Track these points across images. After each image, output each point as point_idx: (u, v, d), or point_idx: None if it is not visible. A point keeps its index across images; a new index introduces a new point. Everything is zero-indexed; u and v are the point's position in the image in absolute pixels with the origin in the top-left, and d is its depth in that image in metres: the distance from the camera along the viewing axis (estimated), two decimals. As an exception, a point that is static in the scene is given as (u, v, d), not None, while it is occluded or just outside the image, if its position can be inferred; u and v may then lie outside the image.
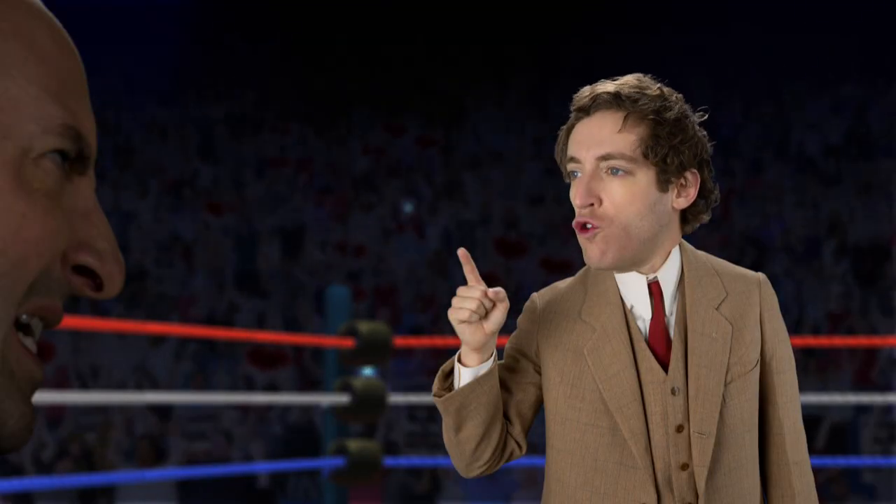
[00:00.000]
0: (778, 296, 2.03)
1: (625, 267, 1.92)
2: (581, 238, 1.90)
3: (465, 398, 1.88)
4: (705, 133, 1.95)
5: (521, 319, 2.00)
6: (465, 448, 1.92)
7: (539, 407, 1.99)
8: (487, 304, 1.86)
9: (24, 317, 0.74)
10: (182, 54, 15.95)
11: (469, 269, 1.89)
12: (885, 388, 10.27)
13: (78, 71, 0.77)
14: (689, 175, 1.90)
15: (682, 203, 1.91)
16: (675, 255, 1.94)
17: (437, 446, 10.46)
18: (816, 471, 9.65)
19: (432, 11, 16.23)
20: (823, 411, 10.16)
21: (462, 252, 1.92)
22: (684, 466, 1.89)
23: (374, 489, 9.46)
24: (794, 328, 11.51)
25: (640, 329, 1.93)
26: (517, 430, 1.98)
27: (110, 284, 0.76)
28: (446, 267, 12.47)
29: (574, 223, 1.91)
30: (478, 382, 1.88)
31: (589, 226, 1.89)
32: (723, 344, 1.91)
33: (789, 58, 15.18)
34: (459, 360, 1.90)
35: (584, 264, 1.96)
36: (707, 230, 13.02)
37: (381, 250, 12.98)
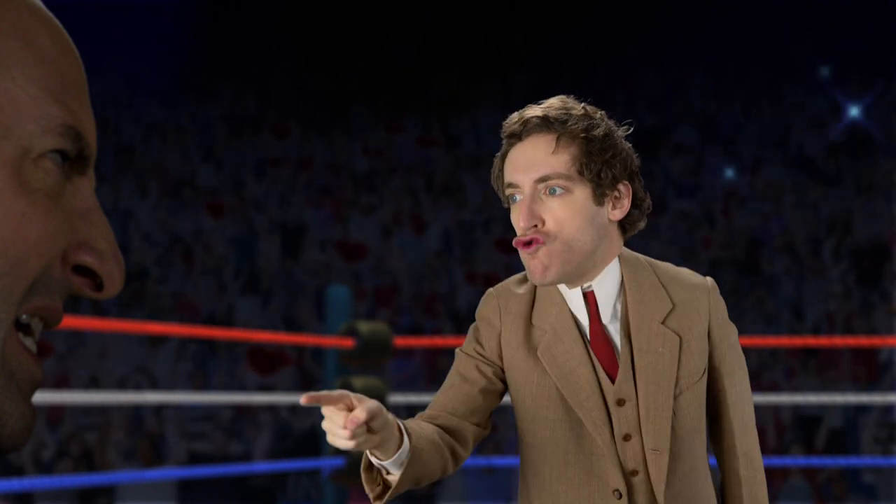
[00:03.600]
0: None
1: (569, 280, 1.98)
2: (523, 254, 1.97)
3: (407, 484, 1.87)
4: (631, 146, 2.03)
5: (484, 312, 2.05)
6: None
7: (495, 404, 2.04)
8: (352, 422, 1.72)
9: (24, 317, 0.74)
10: (182, 54, 15.94)
11: (321, 399, 1.71)
12: (885, 388, 10.27)
13: (78, 71, 0.77)
14: (621, 187, 1.98)
15: (618, 214, 1.99)
16: (614, 266, 2.00)
17: (437, 446, 10.45)
18: (816, 471, 9.55)
19: (432, 11, 16.23)
20: (823, 411, 10.15)
21: (305, 398, 1.70)
22: (633, 472, 1.96)
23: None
24: (794, 328, 11.51)
25: (585, 333, 2.00)
26: (475, 422, 2.00)
27: (110, 284, 0.76)
28: (446, 267, 12.47)
29: (515, 241, 1.98)
30: (410, 465, 1.84)
31: (531, 242, 1.94)
32: (671, 358, 1.97)
33: (789, 58, 15.17)
34: (374, 455, 1.84)
35: None
36: (707, 230, 13.04)
37: (381, 250, 12.98)
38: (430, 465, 1.90)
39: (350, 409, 1.72)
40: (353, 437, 1.71)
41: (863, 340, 8.06)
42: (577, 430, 1.95)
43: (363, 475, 1.89)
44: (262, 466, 8.05)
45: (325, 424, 1.73)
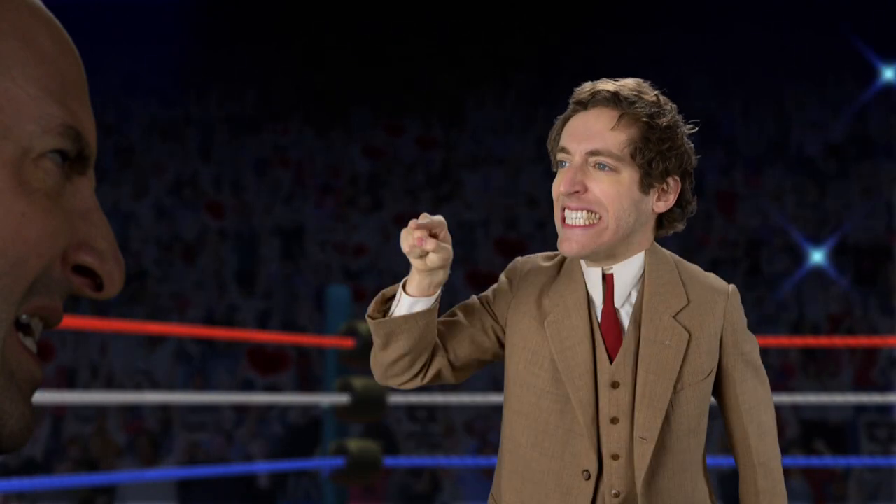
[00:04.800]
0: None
1: (597, 258, 1.98)
2: (566, 230, 1.95)
3: (396, 327, 1.93)
4: (692, 145, 2.01)
5: (502, 277, 2.06)
6: (384, 362, 1.98)
7: (478, 358, 2.05)
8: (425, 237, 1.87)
9: (24, 317, 0.74)
10: (182, 54, 15.94)
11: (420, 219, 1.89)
12: (885, 388, 10.27)
13: (78, 71, 0.77)
14: (670, 181, 1.98)
15: (662, 207, 1.98)
16: (639, 256, 2.00)
17: (437, 446, 10.45)
18: (817, 471, 9.55)
19: (432, 11, 16.23)
20: (823, 411, 10.15)
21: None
22: (615, 457, 1.96)
23: (374, 489, 9.46)
24: (794, 328, 11.50)
25: (596, 314, 2.00)
26: (451, 358, 2.02)
27: (110, 284, 0.76)
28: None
29: (559, 216, 1.96)
30: (413, 316, 1.92)
31: (581, 219, 1.94)
32: (676, 351, 1.97)
33: (789, 58, 15.17)
34: (404, 286, 1.94)
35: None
36: (707, 230, 13.03)
37: (381, 250, 12.98)
38: (428, 343, 1.96)
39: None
40: (411, 246, 1.85)
41: (863, 340, 8.07)
42: (562, 405, 1.96)
43: (378, 298, 1.97)
44: (262, 466, 8.05)
45: (405, 237, 1.87)
